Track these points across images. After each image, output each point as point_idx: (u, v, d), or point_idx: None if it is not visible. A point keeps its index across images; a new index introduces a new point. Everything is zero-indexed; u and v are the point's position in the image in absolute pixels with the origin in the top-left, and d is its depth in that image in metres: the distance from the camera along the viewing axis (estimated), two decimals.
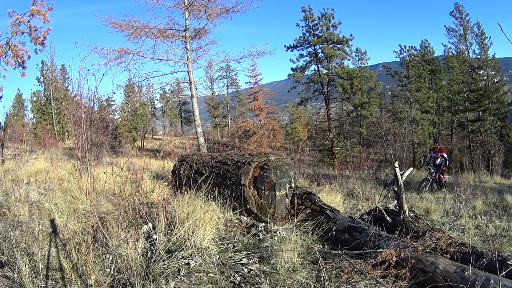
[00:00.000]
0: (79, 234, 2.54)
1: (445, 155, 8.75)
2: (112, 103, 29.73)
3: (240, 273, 2.33)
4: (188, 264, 2.30)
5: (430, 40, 40.75)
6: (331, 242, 3.22)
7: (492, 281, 2.11)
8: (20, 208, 3.30)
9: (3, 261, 2.21)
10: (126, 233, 2.38)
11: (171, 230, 2.57)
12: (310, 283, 2.26)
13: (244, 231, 3.16)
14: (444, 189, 8.55)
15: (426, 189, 8.37)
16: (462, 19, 24.58)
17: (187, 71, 12.85)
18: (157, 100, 40.64)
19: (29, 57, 9.88)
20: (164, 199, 3.35)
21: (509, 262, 2.39)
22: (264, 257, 2.61)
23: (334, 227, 3.25)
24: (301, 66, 23.90)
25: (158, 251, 2.30)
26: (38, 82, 28.80)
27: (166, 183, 4.61)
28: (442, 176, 8.83)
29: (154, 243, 2.40)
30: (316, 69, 23.88)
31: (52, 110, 27.10)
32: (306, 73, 24.18)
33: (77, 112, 5.90)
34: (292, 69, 23.93)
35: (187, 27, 12.47)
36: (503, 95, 23.49)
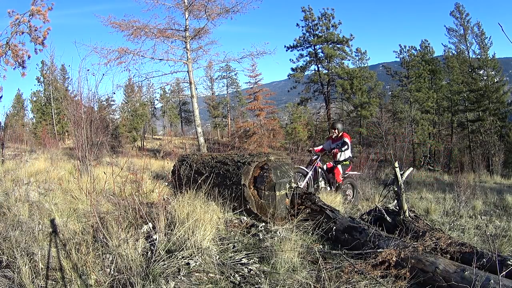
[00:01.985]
0: (79, 234, 2.54)
1: (349, 142, 5.83)
2: (112, 103, 29.75)
3: (240, 273, 2.33)
4: (188, 264, 2.30)
5: (430, 40, 40.83)
6: (331, 242, 3.22)
7: (492, 281, 2.11)
8: (20, 208, 3.30)
9: (3, 261, 2.21)
10: (126, 233, 2.38)
11: (171, 230, 2.57)
12: (310, 283, 2.26)
13: (244, 231, 3.16)
14: (348, 192, 5.92)
15: (303, 185, 5.34)
16: (462, 19, 24.61)
17: (187, 71, 12.86)
18: (157, 100, 40.64)
19: (29, 57, 9.91)
20: (164, 199, 3.35)
21: (509, 262, 2.39)
22: (264, 257, 2.61)
23: (334, 227, 3.25)
24: (301, 66, 23.98)
25: (158, 251, 2.30)
26: (38, 82, 28.82)
27: (166, 183, 4.62)
28: (341, 172, 5.85)
29: (154, 243, 2.40)
30: (316, 69, 23.94)
31: (52, 110, 27.11)
32: (306, 73, 24.28)
33: (77, 112, 5.90)
34: (292, 69, 23.99)
35: (187, 27, 12.48)
36: (503, 95, 23.52)
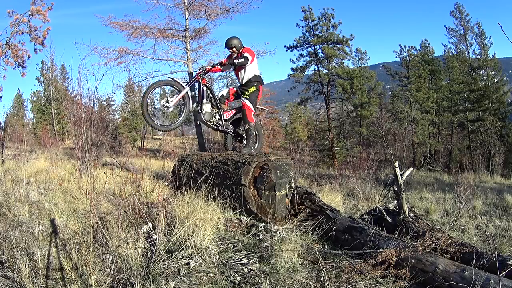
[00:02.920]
0: (79, 234, 2.54)
1: (249, 56, 4.35)
2: (112, 103, 29.72)
3: (240, 273, 2.33)
4: (188, 264, 2.30)
5: (430, 40, 40.69)
6: (331, 242, 3.22)
7: (492, 281, 2.11)
8: (20, 208, 3.30)
9: (3, 261, 2.21)
10: (126, 233, 2.38)
11: (171, 230, 2.57)
12: (310, 283, 2.26)
13: (244, 231, 3.16)
14: (231, 130, 4.64)
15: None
16: (462, 19, 24.61)
17: (187, 71, 12.85)
18: (157, 100, 40.59)
19: (29, 57, 9.92)
20: (164, 199, 3.35)
21: (509, 262, 2.39)
22: (264, 257, 2.61)
23: (334, 227, 3.25)
24: (301, 66, 23.92)
25: (158, 251, 2.30)
26: (38, 82, 28.82)
27: (166, 183, 4.61)
28: (251, 108, 4.50)
29: (154, 243, 2.40)
30: (316, 69, 23.88)
31: (52, 110, 27.09)
32: (306, 73, 24.21)
33: (77, 112, 5.92)
34: (292, 69, 23.94)
35: (187, 27, 12.47)
36: (503, 95, 23.52)
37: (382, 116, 23.63)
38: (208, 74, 4.43)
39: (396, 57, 25.68)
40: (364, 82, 24.04)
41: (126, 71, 12.14)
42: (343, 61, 23.76)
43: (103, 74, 13.59)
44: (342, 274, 2.35)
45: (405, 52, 25.03)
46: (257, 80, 4.53)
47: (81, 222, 3.02)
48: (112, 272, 2.08)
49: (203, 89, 4.37)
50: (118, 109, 32.31)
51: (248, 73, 4.49)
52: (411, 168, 4.11)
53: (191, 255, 2.38)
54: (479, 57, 24.42)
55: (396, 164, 3.57)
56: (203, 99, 4.35)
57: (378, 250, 2.66)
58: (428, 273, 2.37)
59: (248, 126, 4.52)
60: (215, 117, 4.46)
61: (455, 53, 25.29)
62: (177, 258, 2.29)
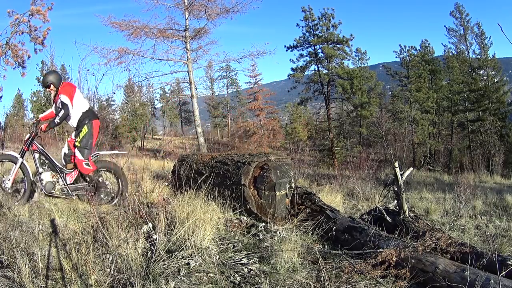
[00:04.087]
0: (79, 234, 2.54)
1: (67, 101, 3.66)
2: (112, 103, 29.69)
3: (240, 273, 2.34)
4: (188, 264, 2.30)
5: (430, 40, 40.74)
6: (331, 242, 3.22)
7: (492, 281, 2.11)
8: (20, 208, 3.30)
9: (3, 261, 2.21)
10: (126, 233, 2.38)
11: (171, 230, 2.57)
12: (310, 283, 2.26)
13: (244, 231, 3.16)
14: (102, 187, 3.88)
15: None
16: (462, 19, 24.65)
17: (187, 71, 12.87)
18: (157, 100, 40.59)
19: (29, 57, 9.89)
20: (164, 199, 3.35)
21: (509, 262, 2.39)
22: (264, 257, 2.61)
23: (334, 227, 3.26)
24: (301, 66, 23.95)
25: (158, 251, 2.30)
26: (38, 82, 28.76)
27: (166, 183, 4.61)
28: (82, 158, 3.79)
29: (154, 243, 2.41)
30: (316, 69, 23.91)
31: None
32: (306, 73, 24.25)
33: None
34: (292, 69, 23.96)
35: (187, 27, 12.49)
36: (503, 95, 23.55)
37: (382, 116, 23.64)
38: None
39: (396, 57, 25.74)
40: (364, 82, 24.06)
41: (126, 71, 12.18)
42: (343, 61, 23.82)
43: (103, 74, 13.63)
44: (342, 274, 2.35)
45: (405, 52, 25.07)
46: (86, 117, 3.84)
47: (81, 222, 3.02)
48: (112, 272, 2.08)
49: (35, 157, 3.75)
50: (118, 109, 32.28)
51: (75, 114, 3.81)
52: (411, 168, 4.11)
53: (191, 255, 2.38)
54: (479, 57, 24.47)
55: (396, 164, 3.57)
56: (39, 168, 3.74)
57: (378, 250, 2.66)
58: (428, 273, 2.37)
59: (88, 177, 3.86)
60: (58, 184, 3.80)
61: (455, 53, 25.35)
62: (177, 258, 2.29)
